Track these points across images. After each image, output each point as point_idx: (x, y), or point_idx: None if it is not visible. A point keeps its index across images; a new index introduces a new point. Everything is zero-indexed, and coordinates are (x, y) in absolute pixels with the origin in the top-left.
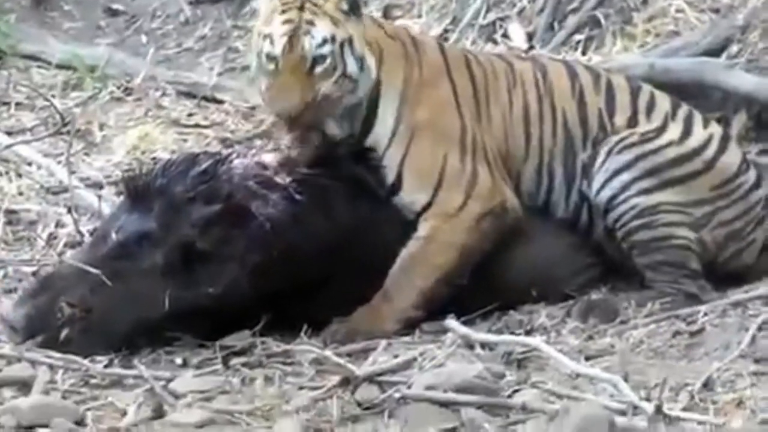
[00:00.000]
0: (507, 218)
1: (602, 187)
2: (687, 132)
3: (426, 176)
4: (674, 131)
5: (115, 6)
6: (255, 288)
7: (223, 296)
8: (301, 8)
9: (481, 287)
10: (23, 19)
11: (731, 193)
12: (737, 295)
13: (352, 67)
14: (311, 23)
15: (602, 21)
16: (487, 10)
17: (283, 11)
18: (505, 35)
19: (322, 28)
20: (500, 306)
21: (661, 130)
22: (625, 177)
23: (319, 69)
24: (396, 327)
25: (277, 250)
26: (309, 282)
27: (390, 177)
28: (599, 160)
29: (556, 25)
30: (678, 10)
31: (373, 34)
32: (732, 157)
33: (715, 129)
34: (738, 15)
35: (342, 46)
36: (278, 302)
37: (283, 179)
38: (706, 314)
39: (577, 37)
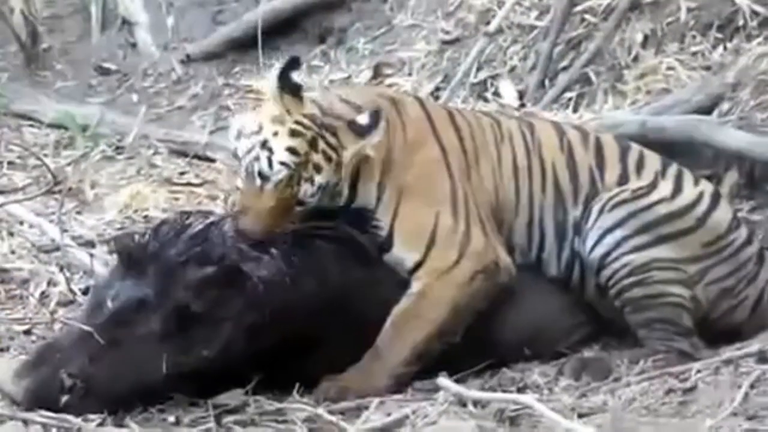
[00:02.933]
0: (499, 277)
1: (595, 244)
2: (678, 189)
3: (418, 235)
4: (665, 188)
5: (106, 65)
6: (249, 347)
7: (217, 357)
8: (313, 144)
9: (473, 345)
10: (15, 78)
11: (722, 250)
12: (729, 352)
13: (323, 200)
14: (319, 169)
15: (593, 78)
16: (478, 68)
17: (293, 133)
18: (496, 93)
19: (324, 177)
20: (492, 364)
21: (652, 187)
22: (617, 234)
23: (298, 210)
24: (388, 384)
25: (270, 310)
26: (302, 340)
27: (381, 237)
28: (591, 217)
29: (547, 82)
30: (669, 68)
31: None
32: (723, 214)
33: (706, 186)
34: (729, 72)
35: (325, 189)
36: (271, 361)
37: (275, 241)
38: (698, 371)
39: (568, 94)
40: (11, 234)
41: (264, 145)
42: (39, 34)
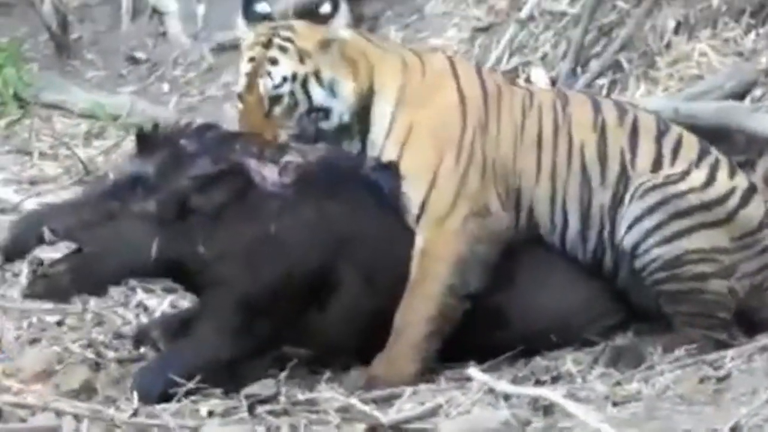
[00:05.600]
0: (491, 222)
1: (626, 233)
2: (711, 180)
3: (421, 173)
4: (697, 177)
5: (137, 54)
6: (249, 275)
7: (214, 265)
8: (267, 45)
9: (501, 330)
10: (45, 68)
11: (752, 246)
12: (764, 339)
13: (319, 97)
14: (274, 62)
15: (625, 65)
16: (510, 55)
17: (250, 47)
18: (528, 80)
19: (284, 67)
20: (526, 351)
21: (684, 174)
22: (646, 224)
23: (277, 109)
24: (416, 367)
25: (273, 234)
26: (310, 283)
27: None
28: (621, 205)
29: (579, 69)
30: (701, 54)
31: (362, 50)
32: (754, 210)
33: (741, 180)
34: (761, 59)
35: (305, 81)
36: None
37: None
38: (732, 359)
39: (601, 81)
40: None
41: (240, 73)
42: (69, 23)
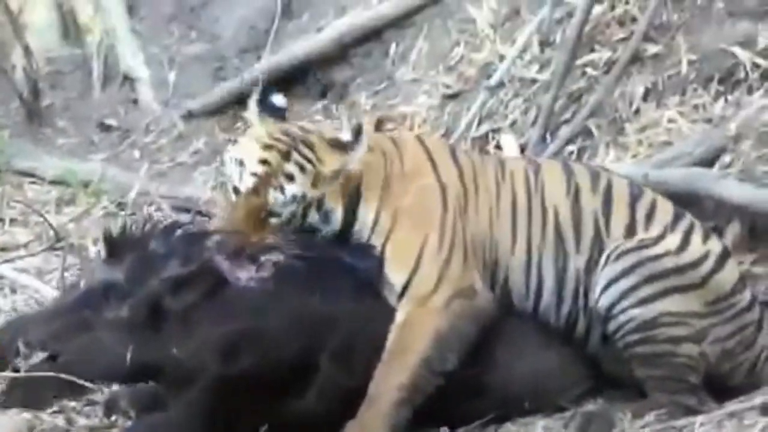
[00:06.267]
0: (477, 300)
1: (600, 295)
2: (685, 244)
3: (405, 256)
4: (672, 242)
5: (108, 121)
6: (224, 362)
7: (189, 363)
8: (285, 156)
9: (474, 398)
10: (17, 134)
11: (725, 311)
12: (733, 405)
13: (313, 220)
14: (290, 178)
15: (595, 132)
16: (480, 122)
17: (264, 148)
18: (498, 146)
19: (298, 187)
20: (497, 417)
21: (659, 239)
22: (622, 285)
23: (274, 220)
24: None
25: (248, 325)
26: (287, 370)
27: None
28: (596, 267)
29: (548, 136)
30: (670, 120)
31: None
32: (728, 275)
33: (714, 245)
34: (730, 125)
35: (309, 205)
36: (251, 388)
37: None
38: (702, 425)
39: (570, 147)
40: (14, 291)
41: (240, 162)
42: (40, 90)
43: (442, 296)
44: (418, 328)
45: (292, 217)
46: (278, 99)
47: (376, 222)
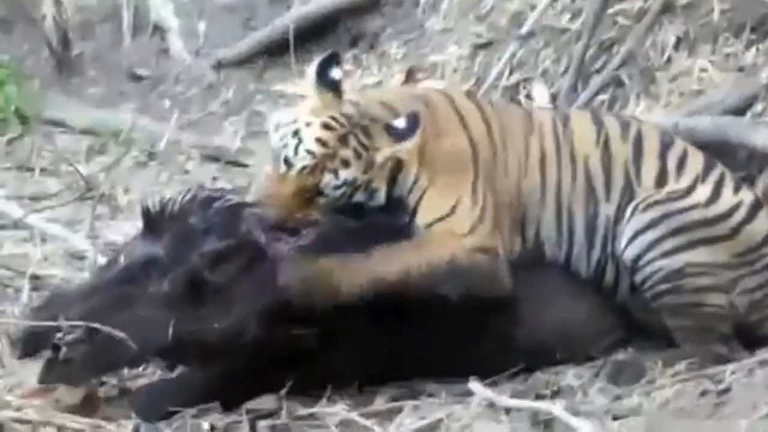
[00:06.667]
0: (496, 263)
1: (627, 246)
2: (715, 196)
3: (439, 209)
4: (702, 193)
5: (138, 71)
6: (267, 332)
7: (232, 336)
8: (343, 140)
9: (505, 349)
10: (47, 85)
11: (754, 262)
12: (764, 353)
13: (358, 198)
14: (346, 163)
15: (626, 81)
16: (511, 72)
17: (325, 126)
18: (528, 96)
19: (351, 173)
20: (526, 367)
21: (689, 190)
22: (649, 236)
23: (321, 200)
24: (340, 288)
25: (287, 298)
26: (323, 336)
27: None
28: (624, 217)
29: (579, 85)
30: (702, 69)
31: None
32: (759, 226)
33: (746, 195)
34: (762, 73)
35: (357, 187)
36: (291, 358)
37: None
38: (733, 373)
39: (601, 97)
40: (44, 240)
41: (295, 134)
42: (70, 40)
43: (470, 241)
44: (433, 246)
45: (339, 197)
46: (336, 72)
47: (414, 185)
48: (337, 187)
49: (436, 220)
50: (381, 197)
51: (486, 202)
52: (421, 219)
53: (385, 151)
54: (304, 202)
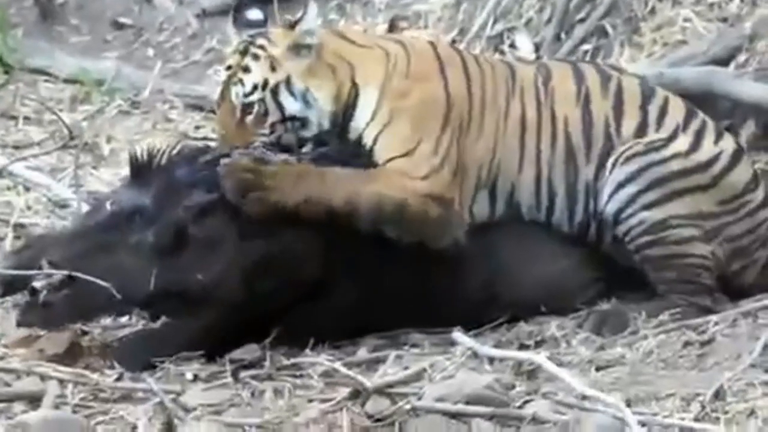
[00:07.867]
0: (449, 215)
1: (609, 200)
2: (696, 145)
3: (396, 147)
4: (683, 143)
5: (122, 20)
6: (249, 285)
7: (213, 287)
8: (243, 53)
9: (489, 302)
10: (30, 33)
11: (738, 210)
12: (748, 304)
13: (292, 108)
14: (246, 69)
15: (609, 31)
16: (495, 21)
17: (230, 55)
18: (512, 46)
19: (254, 75)
20: (510, 317)
21: (669, 140)
22: (630, 189)
23: (249, 118)
24: (294, 197)
25: (272, 249)
26: (308, 287)
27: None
28: (604, 172)
29: (563, 35)
30: (685, 20)
31: (338, 52)
32: (741, 173)
33: (728, 143)
34: (746, 24)
35: (276, 90)
36: (275, 309)
37: None
38: (716, 324)
39: (585, 47)
40: (27, 189)
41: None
42: None
43: (422, 186)
44: (388, 177)
45: (264, 108)
46: (253, 13)
47: (373, 116)
48: (248, 94)
49: (392, 158)
50: (321, 101)
51: (449, 153)
52: (378, 154)
53: (283, 42)
54: (238, 126)
